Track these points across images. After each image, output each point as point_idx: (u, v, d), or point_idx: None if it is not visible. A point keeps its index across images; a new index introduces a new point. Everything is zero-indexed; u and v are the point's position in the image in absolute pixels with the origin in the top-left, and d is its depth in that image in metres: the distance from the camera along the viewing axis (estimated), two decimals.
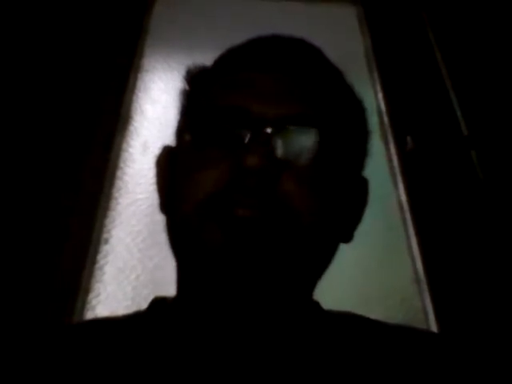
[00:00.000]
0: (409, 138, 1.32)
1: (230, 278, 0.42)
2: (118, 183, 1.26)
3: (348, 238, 0.51)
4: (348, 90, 0.52)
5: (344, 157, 0.46)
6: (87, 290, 1.10)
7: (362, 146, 0.51)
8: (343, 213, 0.48)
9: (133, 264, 1.15)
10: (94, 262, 1.14)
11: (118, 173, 1.28)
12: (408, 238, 1.24)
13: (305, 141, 0.44)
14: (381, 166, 1.31)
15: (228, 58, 0.52)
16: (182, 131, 0.50)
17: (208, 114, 0.46)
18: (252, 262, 0.41)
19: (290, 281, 0.45)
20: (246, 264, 0.41)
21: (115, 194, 1.25)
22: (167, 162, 0.52)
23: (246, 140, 0.43)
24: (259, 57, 0.48)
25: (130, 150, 1.32)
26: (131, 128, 1.36)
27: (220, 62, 0.52)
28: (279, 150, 0.43)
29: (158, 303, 0.51)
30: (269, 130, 0.43)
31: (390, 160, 1.34)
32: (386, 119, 1.40)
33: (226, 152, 0.44)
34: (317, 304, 0.51)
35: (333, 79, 0.50)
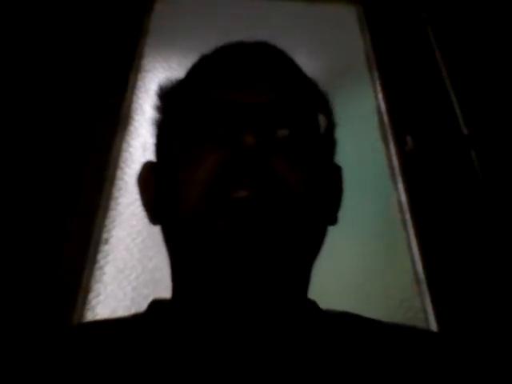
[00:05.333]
0: (409, 138, 1.32)
1: (239, 263, 0.42)
2: (118, 183, 1.26)
3: (333, 220, 0.54)
4: (313, 83, 0.56)
5: (320, 139, 0.50)
6: (87, 290, 1.10)
7: (331, 134, 0.55)
8: (326, 193, 0.51)
9: (133, 264, 1.15)
10: (94, 262, 1.14)
11: (118, 173, 1.28)
12: (408, 238, 1.24)
13: (288, 122, 0.48)
14: (381, 166, 1.31)
15: (200, 74, 0.54)
16: (167, 137, 0.52)
17: (193, 110, 0.48)
18: (258, 244, 0.42)
19: (291, 264, 0.45)
20: (253, 247, 0.42)
21: (115, 193, 1.25)
22: (151, 175, 0.53)
23: (237, 126, 0.45)
24: (228, 70, 0.51)
25: (130, 149, 1.32)
26: (131, 128, 1.36)
27: (192, 76, 0.55)
28: (268, 132, 0.46)
29: (157, 305, 0.51)
30: (255, 115, 0.46)
31: (389, 160, 1.34)
32: (386, 119, 1.40)
33: (216, 143, 0.46)
34: (314, 303, 0.51)
35: (299, 73, 0.55)
